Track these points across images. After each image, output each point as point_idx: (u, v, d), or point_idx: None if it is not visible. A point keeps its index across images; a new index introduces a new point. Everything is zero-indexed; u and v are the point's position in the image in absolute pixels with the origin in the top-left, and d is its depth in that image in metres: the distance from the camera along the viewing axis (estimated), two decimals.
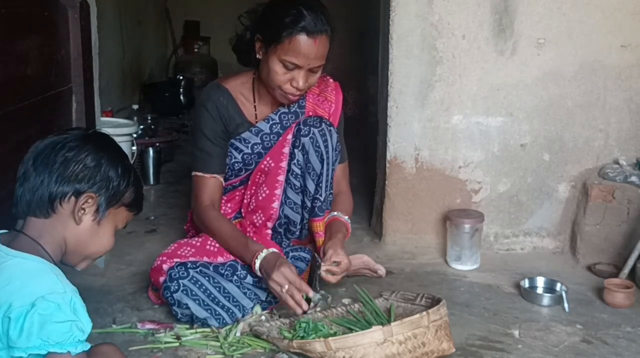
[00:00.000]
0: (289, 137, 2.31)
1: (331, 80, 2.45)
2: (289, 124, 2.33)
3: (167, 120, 5.13)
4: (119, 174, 1.50)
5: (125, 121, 3.77)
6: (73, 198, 1.44)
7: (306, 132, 2.28)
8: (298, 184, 2.32)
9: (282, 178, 2.32)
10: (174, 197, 3.53)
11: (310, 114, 2.36)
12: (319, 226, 2.34)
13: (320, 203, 2.32)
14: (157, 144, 4.02)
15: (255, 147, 2.33)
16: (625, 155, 2.78)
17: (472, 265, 2.68)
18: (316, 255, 2.33)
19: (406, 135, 2.81)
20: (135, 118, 4.04)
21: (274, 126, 2.34)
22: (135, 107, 4.45)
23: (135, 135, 3.72)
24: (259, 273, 2.14)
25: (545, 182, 2.83)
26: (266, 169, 2.34)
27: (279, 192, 2.33)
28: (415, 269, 2.68)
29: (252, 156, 2.34)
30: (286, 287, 2.03)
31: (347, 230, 2.39)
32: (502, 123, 2.79)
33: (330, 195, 2.37)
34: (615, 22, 2.71)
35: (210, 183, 2.30)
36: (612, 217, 2.67)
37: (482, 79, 2.76)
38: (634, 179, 2.65)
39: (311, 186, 2.30)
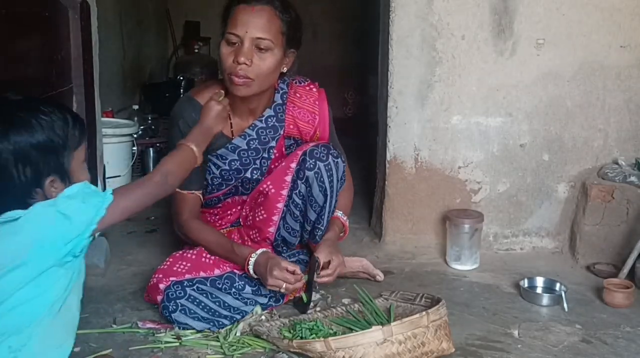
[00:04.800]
0: (293, 165, 2.24)
1: (315, 89, 2.36)
2: (267, 139, 2.27)
3: (167, 120, 5.12)
4: (55, 141, 1.45)
5: (126, 121, 3.78)
6: (39, 189, 1.45)
7: (311, 166, 2.21)
8: (298, 213, 2.27)
9: (281, 206, 2.27)
10: None
11: (291, 126, 2.30)
12: None
13: (321, 232, 2.29)
14: (158, 144, 4.02)
15: (233, 163, 2.27)
16: (624, 155, 2.78)
17: (472, 265, 2.69)
18: (315, 255, 2.33)
19: (406, 136, 2.82)
20: (135, 118, 4.04)
21: (251, 142, 2.26)
22: (136, 107, 4.45)
23: (135, 136, 3.73)
24: (255, 278, 2.15)
25: (545, 182, 2.84)
26: (266, 191, 2.28)
27: (276, 218, 2.28)
28: (415, 269, 2.68)
29: (231, 172, 2.28)
30: (283, 286, 2.06)
31: (343, 226, 2.38)
32: (502, 123, 2.80)
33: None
34: (614, 23, 2.72)
35: (189, 198, 2.24)
36: (611, 217, 2.68)
37: (481, 80, 2.77)
38: (633, 178, 2.65)
39: (312, 216, 2.26)
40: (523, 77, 2.76)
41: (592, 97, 2.77)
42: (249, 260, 2.14)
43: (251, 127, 2.27)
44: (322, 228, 2.28)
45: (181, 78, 5.60)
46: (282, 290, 2.07)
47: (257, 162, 2.29)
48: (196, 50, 6.28)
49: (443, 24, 2.73)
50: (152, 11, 5.83)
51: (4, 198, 1.43)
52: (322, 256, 2.19)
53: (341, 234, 2.41)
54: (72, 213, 1.41)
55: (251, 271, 2.13)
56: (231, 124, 2.26)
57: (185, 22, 6.43)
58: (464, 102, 2.79)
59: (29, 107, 1.46)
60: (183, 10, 6.40)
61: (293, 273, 2.07)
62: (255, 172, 2.29)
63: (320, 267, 2.19)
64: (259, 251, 2.14)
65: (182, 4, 6.40)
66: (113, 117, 3.84)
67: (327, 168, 2.22)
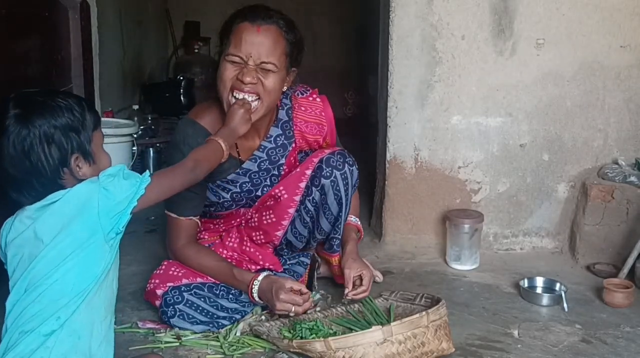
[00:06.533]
0: (308, 172, 2.20)
1: (318, 99, 2.31)
2: (277, 158, 2.23)
3: (167, 120, 5.13)
4: (74, 121, 1.56)
5: (126, 121, 3.77)
6: (66, 169, 1.55)
7: (328, 174, 2.18)
8: (308, 219, 2.25)
9: (292, 211, 2.23)
10: None
11: (300, 141, 2.27)
12: (335, 260, 2.32)
13: (338, 241, 2.28)
14: (158, 144, 4.02)
15: (244, 185, 2.22)
16: (624, 155, 2.78)
17: (472, 265, 2.69)
18: (315, 255, 2.33)
19: (406, 136, 2.82)
20: (135, 118, 4.03)
21: (262, 163, 2.22)
22: (136, 107, 4.45)
23: (135, 136, 3.72)
24: (260, 303, 2.12)
25: (545, 182, 2.84)
26: (278, 196, 2.24)
27: (286, 223, 2.25)
28: (415, 269, 2.68)
29: (242, 194, 2.23)
30: (292, 310, 2.00)
31: (358, 232, 2.38)
32: (502, 123, 2.80)
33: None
34: (614, 23, 2.72)
35: (186, 224, 2.17)
36: (611, 217, 2.68)
37: (481, 80, 2.77)
38: (633, 178, 2.66)
39: (325, 223, 2.24)
40: (523, 77, 2.76)
41: (592, 97, 2.77)
42: (252, 287, 2.08)
43: (260, 149, 2.22)
44: (339, 236, 2.27)
45: (181, 78, 5.60)
46: (292, 314, 2.02)
47: (268, 180, 2.25)
48: (196, 50, 6.28)
49: (443, 24, 2.73)
50: (152, 11, 5.83)
51: (38, 179, 1.53)
52: (352, 272, 2.17)
53: (358, 235, 2.40)
54: (115, 189, 1.53)
55: (256, 298, 2.09)
56: (236, 144, 2.18)
57: (185, 22, 6.44)
58: (464, 102, 2.79)
59: (46, 94, 1.59)
60: (183, 10, 6.40)
61: (299, 292, 2.02)
62: (265, 189, 2.26)
63: (351, 283, 2.16)
64: (261, 276, 2.09)
65: (182, 4, 6.40)
66: (113, 117, 3.83)
67: (343, 176, 2.19)
